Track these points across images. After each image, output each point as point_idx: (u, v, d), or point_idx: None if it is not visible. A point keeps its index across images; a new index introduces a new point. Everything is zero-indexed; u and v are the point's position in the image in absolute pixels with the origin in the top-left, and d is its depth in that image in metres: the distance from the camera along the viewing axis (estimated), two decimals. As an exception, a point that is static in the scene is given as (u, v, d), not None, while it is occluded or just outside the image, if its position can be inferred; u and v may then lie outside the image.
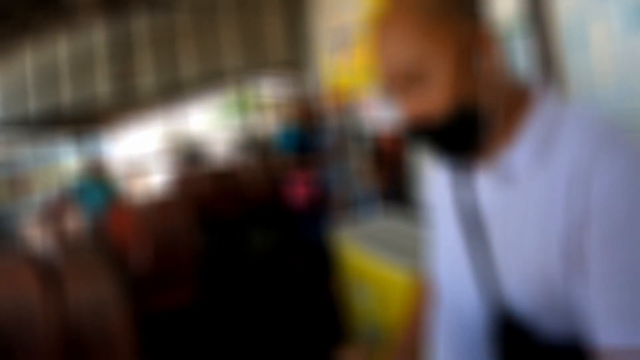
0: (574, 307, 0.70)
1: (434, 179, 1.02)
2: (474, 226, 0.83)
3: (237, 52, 5.31)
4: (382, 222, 3.01)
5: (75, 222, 4.09)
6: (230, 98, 6.03)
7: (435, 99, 0.72)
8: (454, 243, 0.88)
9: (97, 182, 4.37)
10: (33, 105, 4.68)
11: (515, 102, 0.78)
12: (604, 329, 0.65)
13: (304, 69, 5.53)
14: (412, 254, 2.34)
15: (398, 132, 3.45)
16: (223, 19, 5.17)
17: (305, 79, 5.58)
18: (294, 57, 5.54)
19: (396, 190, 3.46)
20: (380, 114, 3.57)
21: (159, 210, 3.60)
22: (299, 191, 3.99)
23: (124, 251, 3.31)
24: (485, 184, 0.81)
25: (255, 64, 5.46)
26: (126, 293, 2.40)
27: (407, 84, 0.73)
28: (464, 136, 0.76)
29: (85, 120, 4.82)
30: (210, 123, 6.50)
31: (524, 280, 0.74)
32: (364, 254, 2.60)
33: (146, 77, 4.94)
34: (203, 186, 4.77)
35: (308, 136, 4.16)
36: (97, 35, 4.76)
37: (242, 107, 5.81)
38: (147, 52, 4.90)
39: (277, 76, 5.72)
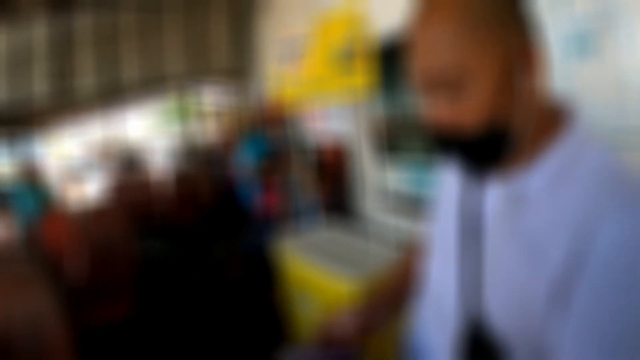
0: (546, 338, 0.70)
1: (445, 178, 1.02)
2: (472, 234, 0.83)
3: (181, 58, 5.23)
4: (324, 233, 3.06)
5: (6, 229, 3.88)
6: (171, 104, 5.91)
7: (470, 109, 0.71)
8: (449, 244, 0.89)
9: (31, 188, 4.17)
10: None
11: (544, 124, 0.76)
12: None
13: (248, 78, 5.52)
14: (353, 263, 2.40)
15: (340, 145, 3.52)
16: (168, 23, 5.07)
17: (248, 88, 5.57)
18: (238, 65, 5.51)
19: (338, 201, 3.52)
20: (323, 126, 3.63)
21: (95, 218, 3.46)
22: (270, 198, 3.96)
23: (58, 261, 3.16)
24: (494, 198, 0.80)
25: (198, 70, 5.40)
26: (63, 305, 2.30)
27: (443, 89, 0.71)
28: (490, 151, 0.75)
29: (19, 121, 4.56)
30: (150, 129, 6.34)
31: (505, 298, 0.74)
32: (306, 263, 2.64)
33: (86, 78, 4.77)
34: (141, 194, 4.65)
35: (271, 142, 4.15)
36: (37, 31, 4.54)
37: (183, 114, 5.71)
38: (89, 51, 4.73)
39: (220, 84, 5.67)
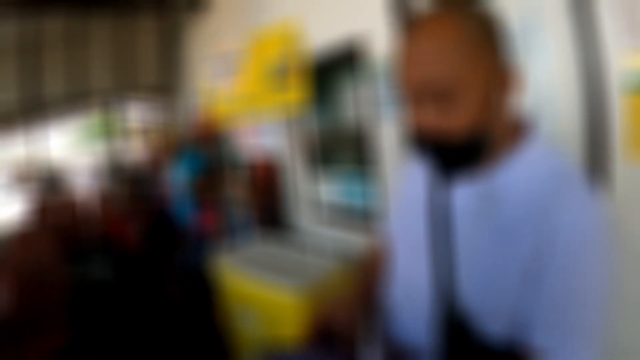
0: (517, 315, 0.80)
1: (410, 177, 1.09)
2: (443, 227, 0.92)
3: (107, 72, 5.05)
4: (260, 247, 3.07)
5: None
6: (95, 120, 5.70)
7: (457, 117, 0.80)
8: (418, 238, 0.97)
9: None
10: None
11: (511, 132, 0.88)
12: (541, 334, 0.78)
13: (177, 94, 5.44)
14: (292, 274, 2.43)
15: (272, 160, 3.56)
16: (96, 34, 4.85)
17: (177, 104, 5.49)
18: (166, 81, 5.40)
19: (271, 215, 3.54)
20: (256, 142, 3.66)
21: (20, 242, 3.26)
22: (206, 216, 3.89)
23: None
24: (464, 195, 0.90)
25: (124, 86, 5.24)
26: None
27: (433, 96, 0.80)
28: (469, 155, 0.85)
29: None
30: (72, 147, 6.08)
31: (480, 283, 0.84)
32: (245, 278, 2.65)
33: (6, 93, 4.50)
34: (66, 216, 4.45)
35: (206, 159, 4.10)
36: None
37: (107, 131, 5.53)
38: (10, 65, 4.44)
39: (147, 100, 5.54)
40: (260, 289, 2.49)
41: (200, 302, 3.40)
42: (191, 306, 3.61)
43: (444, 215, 0.93)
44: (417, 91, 0.81)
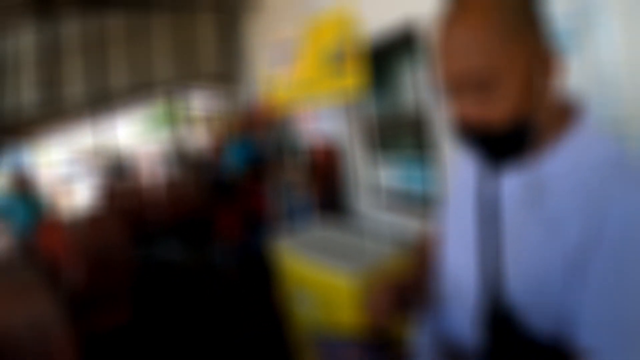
0: (563, 309, 0.76)
1: (460, 166, 1.06)
2: (490, 219, 0.89)
3: (169, 63, 5.23)
4: (319, 231, 3.10)
5: (2, 240, 3.86)
6: (159, 110, 5.91)
7: (498, 107, 0.77)
8: (467, 229, 0.94)
9: (23, 198, 4.15)
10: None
11: (558, 118, 0.83)
12: (588, 333, 0.73)
13: (237, 82, 5.54)
14: (349, 259, 2.44)
15: (331, 145, 3.58)
16: (156, 28, 5.07)
17: (237, 92, 5.59)
18: (226, 70, 5.52)
19: (331, 200, 3.57)
20: (315, 127, 3.68)
21: (90, 225, 3.47)
22: (256, 202, 4.00)
23: (56, 269, 3.16)
24: (511, 185, 0.86)
25: (186, 75, 5.40)
26: (64, 311, 2.31)
27: (474, 87, 0.77)
28: (513, 145, 0.82)
29: (7, 131, 4.50)
30: (139, 135, 6.32)
31: (526, 275, 0.81)
32: (303, 261, 2.67)
33: (74, 86, 4.74)
34: (133, 201, 4.66)
35: (256, 148, 4.22)
36: (25, 39, 4.50)
37: (171, 120, 5.72)
38: (77, 58, 4.70)
39: (209, 89, 5.68)
40: (317, 272, 2.52)
41: (259, 284, 3.48)
42: (250, 288, 3.71)
43: (491, 206, 0.90)
44: (456, 83, 0.79)
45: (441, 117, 2.36)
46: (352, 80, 2.66)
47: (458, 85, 0.79)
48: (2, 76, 4.47)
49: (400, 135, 2.77)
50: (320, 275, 2.50)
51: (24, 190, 4.17)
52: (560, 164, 0.81)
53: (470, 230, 0.93)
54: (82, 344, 2.37)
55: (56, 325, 2.25)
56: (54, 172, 5.46)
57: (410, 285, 1.12)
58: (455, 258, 0.99)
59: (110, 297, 3.22)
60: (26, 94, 4.57)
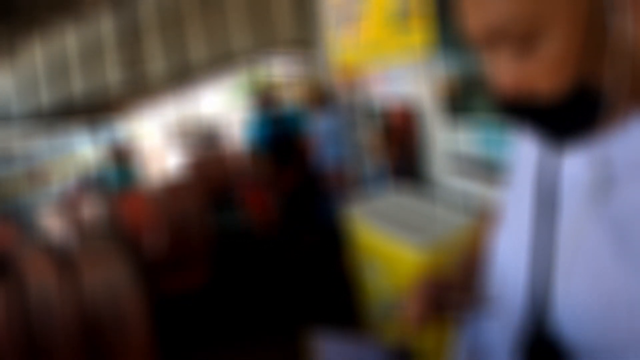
0: (634, 346, 0.53)
1: (522, 145, 0.81)
2: (547, 211, 0.67)
3: (246, 32, 5.28)
4: (393, 198, 3.02)
5: (91, 210, 4.18)
6: (242, 78, 6.01)
7: (547, 69, 0.54)
8: (522, 221, 0.72)
9: (120, 169, 4.50)
10: (45, 97, 4.76)
11: None
12: None
13: (313, 46, 5.48)
14: (422, 230, 2.35)
15: (407, 107, 3.41)
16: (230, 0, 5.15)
17: (315, 56, 5.54)
18: (302, 34, 5.49)
19: (406, 166, 3.44)
20: (387, 89, 3.53)
21: (171, 194, 3.66)
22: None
23: (138, 236, 3.38)
24: (573, 169, 0.64)
25: (264, 43, 5.43)
26: (140, 277, 2.45)
27: (511, 45, 0.56)
28: (573, 120, 0.58)
29: (98, 109, 4.90)
30: (223, 105, 6.49)
31: (584, 291, 0.58)
32: (375, 230, 2.61)
33: (156, 63, 4.96)
34: (217, 169, 4.80)
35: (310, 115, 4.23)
36: (105, 24, 4.79)
37: (254, 87, 5.79)
38: (155, 37, 4.91)
39: (288, 54, 5.68)
40: (387, 242, 2.46)
41: (331, 251, 3.47)
42: (322, 255, 3.71)
43: (549, 196, 0.67)
44: (483, 38, 0.57)
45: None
46: (419, 37, 2.51)
47: (487, 41, 0.57)
48: (88, 60, 4.80)
49: (478, 96, 2.56)
50: (389, 245, 2.43)
51: (121, 161, 4.52)
52: (637, 148, 0.57)
53: (525, 224, 0.70)
54: (156, 308, 2.51)
55: (131, 290, 2.41)
56: (145, 144, 5.75)
57: (456, 283, 0.89)
58: (504, 257, 0.75)
59: (187, 262, 3.40)
60: (111, 74, 4.86)
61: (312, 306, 3.23)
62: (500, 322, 0.73)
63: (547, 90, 0.55)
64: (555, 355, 0.60)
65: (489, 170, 2.54)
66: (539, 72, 0.55)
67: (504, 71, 0.58)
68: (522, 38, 0.54)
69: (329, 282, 3.40)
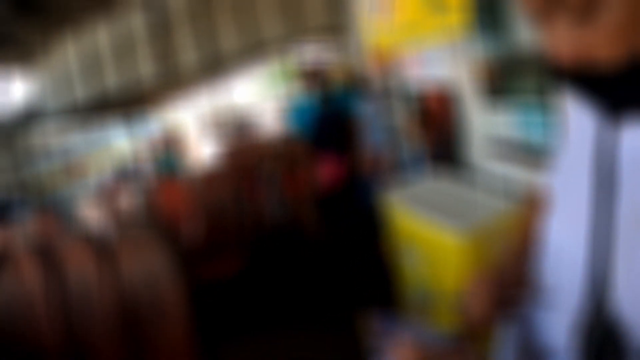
0: None
1: (575, 115, 0.75)
2: (606, 190, 0.63)
3: (277, 21, 5.27)
4: (431, 184, 2.96)
5: (129, 200, 4.26)
6: (274, 67, 6.02)
7: (607, 37, 0.51)
8: (579, 201, 0.68)
9: (164, 158, 4.62)
10: (80, 93, 4.88)
11: None
12: None
13: (346, 32, 5.44)
14: (461, 215, 2.29)
15: (443, 90, 3.33)
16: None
17: (347, 43, 5.49)
18: (334, 21, 5.46)
19: (444, 150, 3.36)
20: (423, 72, 3.45)
21: (207, 183, 3.70)
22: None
23: (175, 225, 3.42)
24: (634, 143, 0.59)
25: (296, 31, 5.42)
26: (178, 265, 2.48)
27: (570, 13, 0.53)
28: (635, 89, 0.55)
29: (132, 103, 5.01)
30: (256, 94, 6.52)
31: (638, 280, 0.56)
32: (413, 216, 2.57)
33: (187, 54, 5.01)
34: (251, 157, 4.81)
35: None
36: (135, 18, 4.87)
37: (287, 76, 5.79)
38: (186, 28, 4.96)
39: (320, 42, 5.64)
40: (425, 228, 2.41)
41: (369, 236, 3.42)
42: (360, 240, 3.66)
43: (608, 173, 0.62)
44: (544, 6, 0.55)
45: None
46: (456, 16, 2.43)
47: (546, 9, 0.55)
48: (120, 55, 4.91)
49: (517, 77, 2.46)
50: (428, 231, 2.39)
51: (166, 150, 4.63)
52: None
53: (583, 205, 0.66)
54: (194, 292, 2.55)
55: (169, 278, 2.45)
56: (181, 135, 5.84)
57: (513, 277, 0.86)
58: (558, 242, 0.72)
59: (224, 250, 3.44)
60: (144, 67, 4.94)
61: (349, 292, 3.20)
62: (558, 309, 0.70)
63: (606, 59, 0.53)
64: (616, 339, 0.58)
65: (530, 153, 2.45)
66: (599, 41, 0.52)
67: (562, 40, 0.55)
68: (581, 5, 0.51)
69: (366, 268, 3.37)
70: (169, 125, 5.51)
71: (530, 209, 0.95)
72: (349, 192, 4.13)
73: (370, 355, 0.86)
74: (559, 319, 0.69)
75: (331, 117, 4.12)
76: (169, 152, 4.74)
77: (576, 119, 0.74)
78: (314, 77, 4.18)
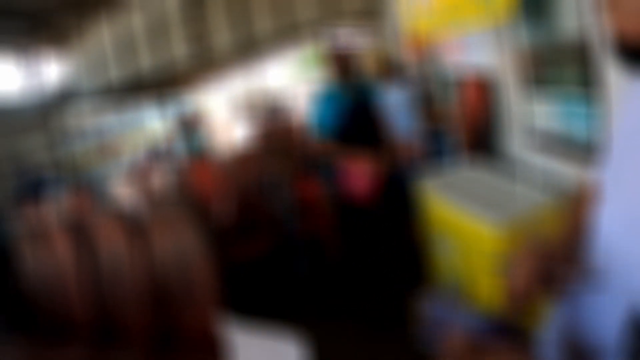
0: None
1: (631, 104, 0.72)
2: None
3: (312, 3, 5.25)
4: (467, 172, 2.90)
5: (161, 179, 4.31)
6: (308, 51, 5.98)
7: None
8: (634, 190, 0.65)
9: (188, 138, 4.66)
10: (114, 74, 4.92)
11: None
12: None
13: (382, 17, 5.36)
14: (498, 206, 2.23)
15: (482, 77, 3.23)
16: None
17: (383, 27, 5.42)
18: (370, 5, 5.40)
19: (481, 140, 3.28)
20: (463, 58, 3.36)
21: (240, 164, 3.73)
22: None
23: (207, 204, 3.46)
24: None
25: (331, 14, 5.37)
26: (209, 243, 2.49)
27: None
28: None
29: (166, 84, 5.04)
30: (289, 77, 6.49)
31: None
32: (448, 205, 2.52)
33: (221, 36, 5.02)
34: (284, 140, 4.81)
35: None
36: (169, 1, 4.89)
37: (320, 60, 5.75)
38: (220, 10, 4.96)
39: (355, 26, 5.58)
40: (460, 217, 2.36)
41: (403, 223, 3.36)
42: (393, 227, 3.60)
43: None
44: None
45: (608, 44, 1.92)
46: (500, 1, 2.35)
47: None
48: (154, 36, 4.92)
49: (560, 66, 2.36)
50: (463, 221, 2.33)
51: (188, 130, 4.66)
52: None
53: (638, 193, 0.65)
54: (225, 272, 2.55)
55: (200, 256, 2.47)
56: (212, 117, 5.87)
57: (560, 254, 0.81)
58: (611, 231, 0.70)
59: (254, 231, 3.50)
60: (177, 49, 4.96)
61: (381, 277, 3.16)
62: (608, 295, 0.68)
63: None
64: None
65: (571, 146, 2.36)
66: None
67: (627, 21, 0.56)
68: None
69: (397, 256, 3.32)
70: (199, 107, 5.54)
71: (579, 199, 0.91)
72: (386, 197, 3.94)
73: (422, 342, 0.84)
74: (611, 304, 0.67)
75: (362, 109, 3.76)
76: (197, 132, 4.78)
77: (632, 108, 0.70)
78: (342, 62, 3.79)
